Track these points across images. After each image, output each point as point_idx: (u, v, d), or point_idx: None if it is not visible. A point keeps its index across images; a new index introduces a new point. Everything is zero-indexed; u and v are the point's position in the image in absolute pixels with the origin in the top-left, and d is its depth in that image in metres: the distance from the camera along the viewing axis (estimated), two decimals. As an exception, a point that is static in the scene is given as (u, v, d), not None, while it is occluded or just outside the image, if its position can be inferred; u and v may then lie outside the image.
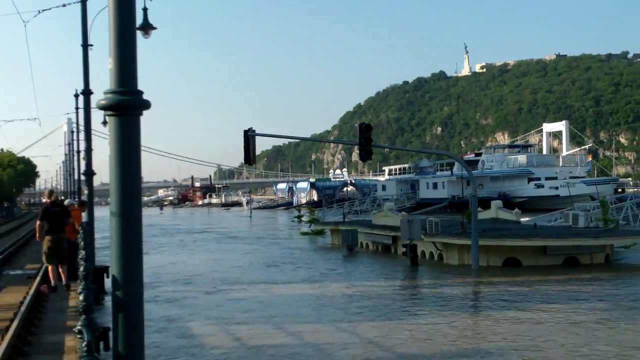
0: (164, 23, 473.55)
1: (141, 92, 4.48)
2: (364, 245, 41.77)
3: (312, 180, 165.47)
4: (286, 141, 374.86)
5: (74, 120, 44.67)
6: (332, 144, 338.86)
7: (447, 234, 33.14)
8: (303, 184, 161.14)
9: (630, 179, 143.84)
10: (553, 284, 25.27)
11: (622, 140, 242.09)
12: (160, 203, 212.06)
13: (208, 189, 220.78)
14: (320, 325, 18.63)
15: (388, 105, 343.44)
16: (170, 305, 22.49)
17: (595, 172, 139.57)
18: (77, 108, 35.35)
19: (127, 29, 4.45)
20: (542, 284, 25.34)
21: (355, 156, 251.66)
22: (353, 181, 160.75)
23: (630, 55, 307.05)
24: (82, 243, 8.72)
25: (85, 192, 24.82)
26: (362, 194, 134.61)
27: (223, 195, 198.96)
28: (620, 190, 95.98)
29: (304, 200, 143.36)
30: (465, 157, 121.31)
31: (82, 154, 34.16)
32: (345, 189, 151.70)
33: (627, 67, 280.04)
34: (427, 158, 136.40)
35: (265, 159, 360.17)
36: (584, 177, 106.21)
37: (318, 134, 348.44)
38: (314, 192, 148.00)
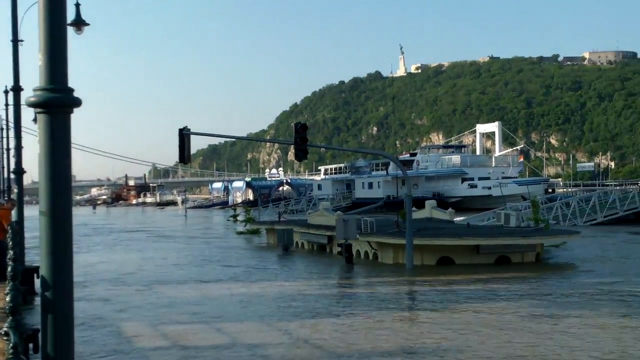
0: (97, 19, 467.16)
1: (72, 90, 4.41)
2: (299, 244, 41.78)
3: (247, 179, 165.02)
4: (222, 140, 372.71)
5: (3, 117, 43.95)
6: (268, 143, 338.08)
7: (382, 234, 33.31)
8: (239, 183, 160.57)
9: (560, 179, 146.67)
10: (485, 282, 25.60)
11: (553, 141, 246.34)
12: (93, 202, 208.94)
13: (143, 188, 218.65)
14: (253, 324, 18.60)
15: (324, 105, 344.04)
16: (101, 303, 22.28)
17: (527, 172, 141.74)
18: (6, 105, 34.80)
19: (58, 24, 4.37)
20: (475, 282, 25.64)
21: (291, 155, 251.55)
22: (289, 180, 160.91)
23: (560, 59, 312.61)
24: (11, 243, 8.58)
25: (15, 190, 24.39)
26: (298, 194, 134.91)
27: (158, 195, 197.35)
28: (550, 190, 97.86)
29: (239, 200, 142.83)
30: (401, 157, 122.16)
31: (12, 152, 33.62)
32: (281, 188, 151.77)
33: (558, 70, 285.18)
34: (362, 158, 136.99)
35: (201, 158, 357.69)
36: (515, 178, 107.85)
37: (254, 133, 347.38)
38: (250, 191, 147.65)
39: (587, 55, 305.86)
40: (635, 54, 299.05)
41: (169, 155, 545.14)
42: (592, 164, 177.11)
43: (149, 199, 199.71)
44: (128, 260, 38.28)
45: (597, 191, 67.14)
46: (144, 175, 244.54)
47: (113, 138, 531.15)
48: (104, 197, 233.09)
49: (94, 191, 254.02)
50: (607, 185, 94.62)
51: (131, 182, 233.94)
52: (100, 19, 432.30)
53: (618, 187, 76.53)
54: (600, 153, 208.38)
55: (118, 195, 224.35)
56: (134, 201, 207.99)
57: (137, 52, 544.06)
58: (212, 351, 15.58)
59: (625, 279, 25.97)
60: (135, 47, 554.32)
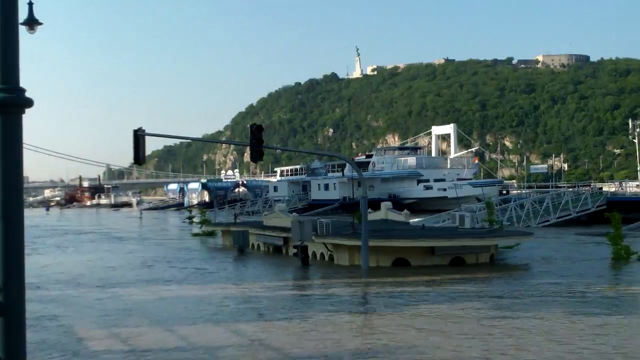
0: (48, 17, 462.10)
1: (23, 90, 4.37)
2: (255, 246, 41.70)
3: (203, 180, 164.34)
4: (177, 141, 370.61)
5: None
6: (224, 144, 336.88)
7: (337, 235, 33.36)
8: (194, 185, 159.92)
9: (514, 181, 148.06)
10: (440, 283, 25.77)
11: (507, 143, 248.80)
12: (46, 203, 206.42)
13: (97, 190, 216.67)
14: (206, 326, 18.53)
15: (280, 106, 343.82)
16: (54, 305, 22.05)
17: (482, 174, 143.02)
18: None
19: (10, 23, 4.33)
20: (430, 283, 25.80)
21: (247, 157, 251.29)
22: (245, 182, 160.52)
23: (514, 62, 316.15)
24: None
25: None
26: (254, 195, 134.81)
27: (112, 196, 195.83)
28: (504, 192, 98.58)
29: (195, 201, 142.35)
30: (357, 158, 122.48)
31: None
32: (237, 189, 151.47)
33: (512, 73, 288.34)
34: (318, 159, 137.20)
35: (156, 159, 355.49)
36: (470, 179, 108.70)
37: (210, 135, 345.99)
38: (206, 192, 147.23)
39: (540, 58, 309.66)
40: (587, 58, 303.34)
41: (124, 156, 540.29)
42: (546, 165, 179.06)
43: (103, 201, 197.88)
44: (81, 261, 37.93)
45: (551, 193, 67.89)
46: (98, 176, 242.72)
47: (67, 139, 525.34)
48: (58, 198, 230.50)
49: (47, 192, 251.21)
50: (560, 187, 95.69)
51: (85, 184, 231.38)
52: (52, 17, 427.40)
53: (571, 189, 77.46)
54: (554, 155, 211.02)
55: (72, 196, 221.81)
56: (88, 203, 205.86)
57: (91, 51, 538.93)
58: (164, 353, 15.49)
59: (576, 279, 26.31)
60: (88, 46, 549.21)
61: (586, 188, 76.95)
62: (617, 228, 32.41)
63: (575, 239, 45.71)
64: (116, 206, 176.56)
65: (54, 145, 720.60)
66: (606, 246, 33.55)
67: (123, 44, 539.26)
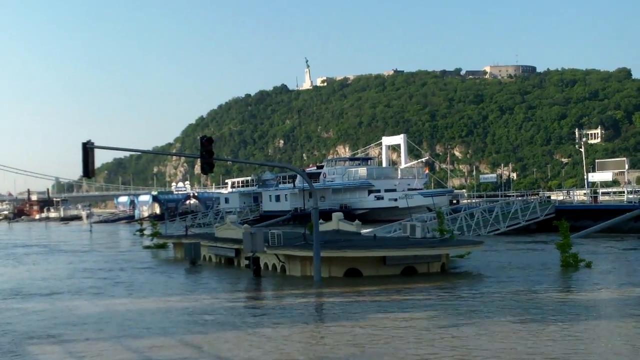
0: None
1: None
2: (207, 258, 41.54)
3: (154, 193, 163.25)
4: (127, 154, 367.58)
5: None
6: (174, 156, 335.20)
7: (289, 246, 33.31)
8: (145, 197, 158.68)
9: (464, 190, 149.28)
10: (392, 293, 25.87)
11: (457, 153, 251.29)
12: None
13: (46, 203, 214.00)
14: (157, 339, 18.39)
15: (231, 118, 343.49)
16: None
17: (432, 184, 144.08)
18: None
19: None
20: (382, 293, 25.89)
21: (197, 169, 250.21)
22: (196, 194, 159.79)
23: (463, 72, 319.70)
24: None
25: None
26: (205, 207, 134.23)
27: (62, 209, 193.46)
28: (455, 201, 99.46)
29: (146, 214, 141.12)
30: (307, 169, 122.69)
31: None
32: (188, 202, 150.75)
33: (460, 84, 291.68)
34: (269, 171, 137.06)
35: (106, 171, 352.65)
36: (421, 189, 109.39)
37: (160, 147, 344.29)
38: (157, 205, 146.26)
39: (488, 69, 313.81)
40: (534, 68, 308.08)
41: (73, 169, 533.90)
42: (495, 175, 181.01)
43: (52, 214, 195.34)
44: (29, 274, 37.38)
45: (500, 202, 68.55)
46: (47, 189, 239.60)
47: (14, 152, 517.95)
48: (5, 212, 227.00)
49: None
50: (510, 196, 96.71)
51: (34, 197, 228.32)
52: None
53: (520, 198, 78.33)
54: (502, 164, 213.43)
55: (20, 210, 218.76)
56: (37, 216, 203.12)
57: (38, 62, 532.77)
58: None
59: (526, 286, 26.63)
60: (36, 57, 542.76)
61: (535, 197, 77.80)
62: (565, 236, 32.85)
63: (525, 247, 46.22)
64: (66, 219, 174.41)
65: (1, 158, 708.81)
66: (555, 254, 34.00)
67: (70, 55, 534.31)
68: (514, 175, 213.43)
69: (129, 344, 17.85)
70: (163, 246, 52.93)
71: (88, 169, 30.24)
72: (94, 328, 20.56)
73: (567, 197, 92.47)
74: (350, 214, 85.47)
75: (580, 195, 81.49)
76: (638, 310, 21.30)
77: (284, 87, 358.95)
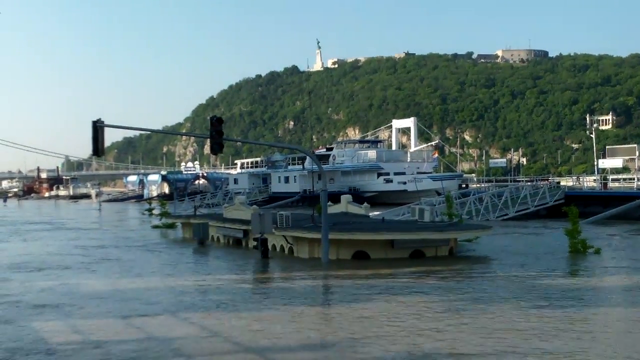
0: (6, 7, 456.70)
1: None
2: (215, 238, 41.59)
3: (163, 172, 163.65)
4: (137, 133, 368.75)
5: None
6: (184, 136, 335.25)
7: (297, 228, 33.30)
8: (154, 177, 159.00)
9: (473, 174, 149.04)
10: (399, 276, 25.84)
11: (467, 137, 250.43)
12: (3, 195, 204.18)
13: (55, 181, 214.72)
14: (166, 318, 18.46)
15: (241, 99, 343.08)
16: (14, 306, 21.80)
17: (441, 168, 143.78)
18: None
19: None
20: (389, 276, 25.86)
21: (207, 149, 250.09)
22: (205, 174, 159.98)
23: (474, 56, 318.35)
24: None
25: None
26: (214, 187, 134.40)
27: (71, 187, 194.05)
28: (464, 185, 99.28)
29: (155, 193, 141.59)
30: (317, 151, 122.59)
31: None
32: (197, 182, 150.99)
33: (472, 67, 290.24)
34: (279, 152, 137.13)
35: (116, 150, 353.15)
36: (430, 173, 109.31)
37: (170, 126, 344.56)
38: (166, 185, 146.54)
39: (500, 53, 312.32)
40: (546, 53, 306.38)
41: (83, 148, 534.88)
42: (505, 160, 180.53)
43: (62, 192, 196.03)
44: (40, 251, 37.49)
45: (509, 187, 68.34)
46: (57, 167, 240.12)
47: (25, 129, 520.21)
48: (15, 189, 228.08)
49: (5, 184, 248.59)
50: (519, 181, 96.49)
51: (43, 175, 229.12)
52: (10, 6, 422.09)
53: (529, 183, 78.15)
54: (513, 149, 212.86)
55: (30, 188, 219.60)
56: (47, 194, 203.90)
57: (50, 41, 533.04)
58: (119, 344, 15.35)
59: (534, 272, 26.55)
60: (48, 36, 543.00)
61: (544, 182, 77.63)
62: (574, 222, 32.77)
63: (534, 233, 46.12)
64: (75, 198, 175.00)
65: (12, 136, 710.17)
66: (564, 240, 33.90)
67: (82, 35, 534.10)
68: (523, 160, 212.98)
69: (135, 322, 17.88)
70: (172, 226, 53.08)
71: (98, 147, 30.29)
72: (96, 304, 20.66)
73: (577, 183, 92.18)
74: (359, 196, 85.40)
75: (590, 182, 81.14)
76: (646, 298, 21.25)
77: (294, 68, 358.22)
